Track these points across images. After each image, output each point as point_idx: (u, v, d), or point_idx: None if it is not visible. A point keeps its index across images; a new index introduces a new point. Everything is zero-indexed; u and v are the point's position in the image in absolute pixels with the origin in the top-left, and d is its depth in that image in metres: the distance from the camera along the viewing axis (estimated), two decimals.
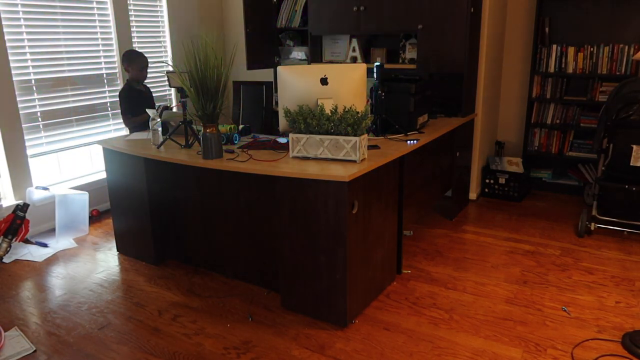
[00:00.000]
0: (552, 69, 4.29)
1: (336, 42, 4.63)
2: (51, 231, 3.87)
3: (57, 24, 3.93)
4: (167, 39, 4.91)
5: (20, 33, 3.69)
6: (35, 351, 2.42)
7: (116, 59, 4.38)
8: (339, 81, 2.65)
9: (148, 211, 3.19)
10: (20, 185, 3.80)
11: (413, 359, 2.32)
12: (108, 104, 4.38)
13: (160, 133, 3.11)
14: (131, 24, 4.48)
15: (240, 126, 3.37)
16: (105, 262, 3.39)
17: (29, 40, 3.75)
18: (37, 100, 3.86)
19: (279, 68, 2.70)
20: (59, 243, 3.69)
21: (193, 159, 2.73)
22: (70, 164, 4.26)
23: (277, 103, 3.36)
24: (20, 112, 3.74)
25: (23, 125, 3.77)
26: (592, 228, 3.66)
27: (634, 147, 3.35)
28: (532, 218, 4.00)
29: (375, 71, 3.20)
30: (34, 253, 3.53)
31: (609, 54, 4.05)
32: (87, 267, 3.33)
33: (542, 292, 2.88)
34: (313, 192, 2.45)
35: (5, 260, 3.41)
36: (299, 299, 2.68)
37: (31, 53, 3.78)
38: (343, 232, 2.41)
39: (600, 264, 3.20)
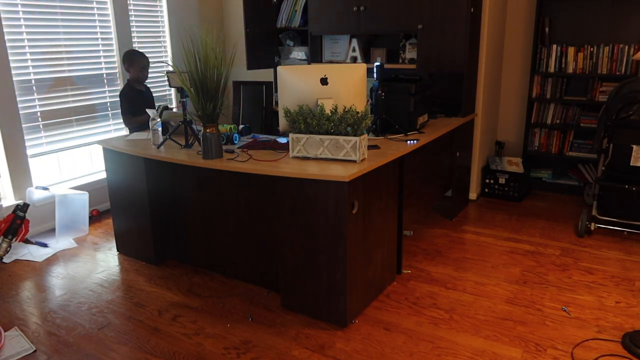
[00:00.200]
0: (552, 69, 4.29)
1: (336, 42, 4.63)
2: (51, 231, 3.87)
3: (57, 24, 3.93)
4: (167, 39, 4.91)
5: (20, 33, 3.69)
6: (35, 351, 2.42)
7: (116, 59, 4.38)
8: (339, 81, 2.66)
9: (148, 211, 3.19)
10: (20, 185, 3.80)
11: (413, 359, 2.32)
12: (108, 104, 4.38)
13: (160, 133, 3.11)
14: (131, 24, 4.48)
15: (240, 126, 3.37)
16: (105, 262, 3.39)
17: (29, 40, 3.75)
18: (37, 100, 3.86)
19: (279, 68, 2.70)
20: (59, 243, 3.69)
21: (193, 159, 2.73)
22: (70, 164, 4.26)
23: (277, 103, 3.36)
24: (20, 112, 3.74)
25: (23, 125, 3.77)
26: (592, 228, 3.66)
27: (634, 147, 3.35)
28: (532, 218, 4.00)
29: (375, 71, 3.20)
30: (34, 253, 3.53)
31: (609, 54, 4.05)
32: (87, 267, 3.33)
33: (542, 292, 2.88)
34: (313, 192, 2.45)
35: (5, 260, 3.41)
36: (299, 299, 2.68)
37: (31, 53, 3.78)
38: (343, 232, 2.41)
39: (600, 264, 3.20)
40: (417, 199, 3.30)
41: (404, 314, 2.69)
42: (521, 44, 4.52)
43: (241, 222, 2.95)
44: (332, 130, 2.53)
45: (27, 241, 3.68)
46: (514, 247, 3.47)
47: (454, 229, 3.81)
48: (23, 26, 3.70)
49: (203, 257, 3.22)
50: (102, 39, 4.27)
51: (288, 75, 2.68)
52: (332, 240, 2.46)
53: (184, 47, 4.91)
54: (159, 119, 3.12)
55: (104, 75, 4.33)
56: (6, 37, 3.58)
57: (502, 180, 4.39)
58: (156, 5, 4.76)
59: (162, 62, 4.85)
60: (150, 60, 4.02)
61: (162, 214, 3.26)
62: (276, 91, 4.23)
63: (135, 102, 3.86)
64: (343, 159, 2.55)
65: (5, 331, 2.55)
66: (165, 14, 4.86)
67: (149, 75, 4.05)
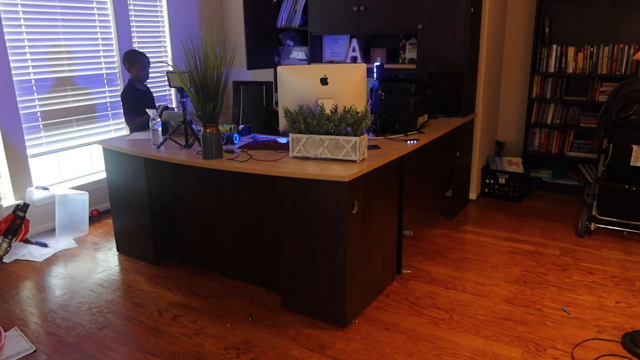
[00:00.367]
0: (552, 69, 4.29)
1: (336, 42, 4.63)
2: (51, 231, 3.87)
3: (57, 24, 3.93)
4: (167, 39, 4.91)
5: (20, 33, 3.69)
6: (35, 351, 2.42)
7: (116, 59, 4.39)
8: (339, 81, 2.65)
9: (148, 211, 3.19)
10: (20, 185, 3.80)
11: (413, 359, 2.32)
12: (108, 104, 4.38)
13: (160, 133, 3.11)
14: (131, 24, 4.48)
15: (240, 126, 3.37)
16: (105, 262, 3.39)
17: (29, 40, 3.75)
18: (37, 100, 3.86)
19: (279, 68, 2.70)
20: (59, 243, 3.69)
21: (193, 159, 2.73)
22: (70, 164, 4.26)
23: (277, 103, 3.36)
24: (20, 112, 3.74)
25: (23, 125, 3.77)
26: (592, 228, 3.66)
27: (634, 147, 3.35)
28: (532, 218, 4.00)
29: (375, 71, 3.20)
30: (34, 253, 3.53)
31: (609, 54, 4.05)
32: (87, 267, 3.33)
33: (542, 292, 2.88)
34: (313, 192, 2.45)
35: (5, 260, 3.41)
36: (299, 299, 2.68)
37: (31, 53, 3.78)
38: (343, 232, 2.41)
39: (600, 264, 3.20)
40: (417, 199, 3.30)
41: (404, 314, 2.69)
42: (521, 44, 4.52)
43: (241, 222, 2.95)
44: (332, 130, 2.53)
45: (27, 241, 3.68)
46: (514, 247, 3.47)
47: (454, 229, 3.81)
48: (23, 26, 3.70)
49: (203, 257, 3.22)
50: (102, 39, 4.27)
51: (288, 75, 2.68)
52: (332, 240, 2.46)
53: (184, 47, 4.92)
54: (159, 119, 3.12)
55: (104, 75, 4.33)
56: (6, 37, 3.58)
57: (502, 180, 4.39)
58: (156, 5, 4.76)
59: (162, 62, 4.85)
60: (150, 60, 4.02)
61: (162, 214, 3.26)
62: (276, 91, 4.23)
63: (137, 102, 3.86)
64: (343, 159, 2.55)
65: (5, 331, 2.55)
66: (165, 14, 4.86)
67: (149, 75, 4.06)
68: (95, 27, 4.21)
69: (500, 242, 3.57)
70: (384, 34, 4.45)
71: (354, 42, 4.45)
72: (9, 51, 3.61)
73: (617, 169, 3.47)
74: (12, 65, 3.64)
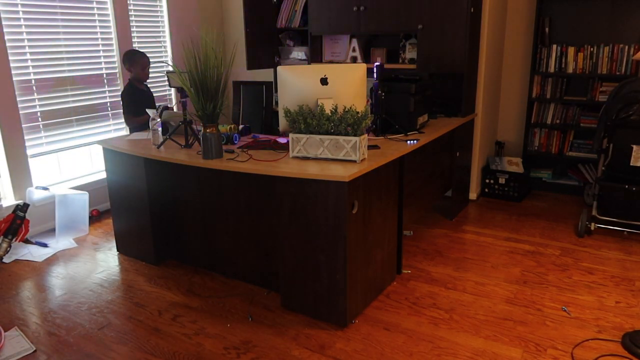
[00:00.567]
0: (552, 69, 4.29)
1: (336, 42, 4.63)
2: (51, 231, 3.87)
3: (57, 24, 3.93)
4: (167, 39, 4.91)
5: (20, 33, 3.69)
6: (35, 351, 2.42)
7: (116, 59, 4.38)
8: (339, 81, 2.65)
9: (148, 211, 3.18)
10: (20, 185, 3.80)
11: (413, 359, 2.32)
12: (108, 104, 4.38)
13: (160, 133, 3.11)
14: (131, 24, 4.48)
15: (240, 126, 3.37)
16: (105, 262, 3.39)
17: (29, 40, 3.75)
18: (37, 100, 3.86)
19: (279, 68, 2.70)
20: (59, 243, 3.69)
21: (193, 159, 2.73)
22: (70, 164, 4.26)
23: (277, 103, 3.35)
24: (20, 112, 3.74)
25: (23, 125, 3.77)
26: (592, 228, 3.66)
27: (634, 147, 3.35)
28: (532, 218, 4.00)
29: (375, 71, 3.20)
30: (34, 253, 3.53)
31: (609, 54, 4.05)
32: (87, 267, 3.33)
33: (542, 292, 2.88)
34: (313, 192, 2.45)
35: (5, 260, 3.41)
36: (299, 299, 2.68)
37: (31, 53, 3.78)
38: (343, 232, 2.41)
39: (600, 264, 3.20)
40: (417, 199, 3.30)
41: (404, 314, 2.69)
42: (521, 44, 4.52)
43: (241, 222, 2.95)
44: (332, 130, 2.53)
45: (27, 241, 3.68)
46: (514, 247, 3.47)
47: (454, 229, 3.81)
48: (23, 26, 3.70)
49: (203, 257, 3.22)
50: (102, 39, 4.27)
51: (288, 75, 2.68)
52: (332, 240, 2.46)
53: (184, 47, 4.92)
54: (159, 119, 3.12)
55: (104, 75, 4.33)
56: (6, 37, 3.58)
57: (502, 180, 4.39)
58: (156, 5, 4.76)
59: (162, 62, 4.85)
60: (150, 60, 4.02)
61: (162, 214, 3.26)
62: (276, 91, 4.22)
63: (137, 102, 3.86)
64: (343, 159, 2.55)
65: (5, 331, 2.55)
66: (165, 14, 4.86)
67: (149, 75, 4.06)
68: (95, 27, 4.21)
69: (500, 242, 3.57)
70: (384, 34, 4.45)
71: (354, 42, 4.45)
72: (9, 51, 3.61)
73: (617, 169, 3.47)
74: (12, 65, 3.64)
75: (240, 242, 2.99)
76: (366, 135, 2.56)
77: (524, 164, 4.46)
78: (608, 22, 4.12)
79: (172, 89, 5.04)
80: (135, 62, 3.86)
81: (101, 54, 4.28)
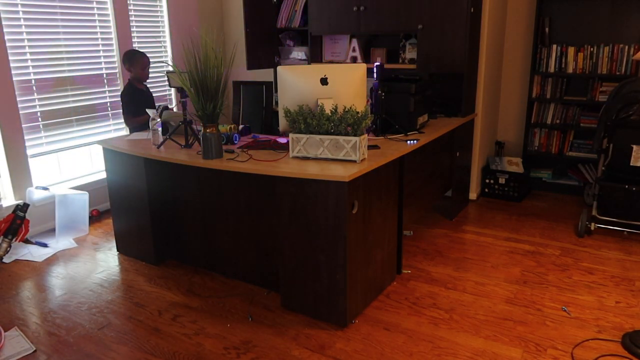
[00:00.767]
0: (552, 69, 4.29)
1: (336, 42, 4.63)
2: (51, 231, 3.87)
3: (57, 24, 3.93)
4: (167, 39, 4.91)
5: (20, 33, 3.69)
6: (35, 351, 2.42)
7: (116, 59, 4.38)
8: (339, 81, 2.65)
9: (148, 211, 3.19)
10: (20, 185, 3.80)
11: (413, 359, 2.32)
12: (108, 104, 4.38)
13: (160, 133, 3.11)
14: (131, 24, 4.48)
15: (240, 126, 3.37)
16: (105, 262, 3.39)
17: (29, 40, 3.75)
18: (37, 100, 3.86)
19: (279, 68, 2.70)
20: (59, 243, 3.69)
21: (193, 159, 2.73)
22: (70, 164, 4.26)
23: (277, 103, 3.35)
24: (20, 112, 3.74)
25: (23, 125, 3.77)
26: (592, 228, 3.66)
27: (634, 147, 3.35)
28: (532, 218, 4.00)
29: (375, 71, 3.20)
30: (34, 253, 3.53)
31: (609, 54, 4.05)
32: (87, 267, 3.33)
33: (542, 292, 2.88)
34: (313, 192, 2.45)
35: (5, 260, 3.41)
36: (299, 299, 2.68)
37: (31, 53, 3.78)
38: (343, 232, 2.41)
39: (600, 264, 3.20)
40: (417, 199, 3.30)
41: (404, 314, 2.69)
42: (521, 44, 4.52)
43: (241, 222, 2.95)
44: (332, 130, 2.53)
45: (27, 241, 3.68)
46: (514, 247, 3.47)
47: (454, 229, 3.81)
48: (23, 26, 3.70)
49: (203, 257, 3.22)
50: (102, 39, 4.27)
51: (288, 75, 2.68)
52: (332, 240, 2.46)
53: (184, 47, 4.92)
54: (159, 119, 3.12)
55: (104, 75, 4.33)
56: (6, 37, 3.58)
57: (502, 180, 4.39)
58: (156, 5, 4.76)
59: (162, 62, 4.85)
60: (150, 60, 4.02)
61: (162, 214, 3.26)
62: (276, 91, 4.22)
63: (137, 102, 3.86)
64: (343, 159, 2.55)
65: (5, 331, 2.55)
66: (165, 14, 4.86)
67: (149, 75, 4.05)
68: (95, 27, 4.21)
69: (500, 242, 3.57)
70: (384, 34, 4.45)
71: (354, 42, 4.45)
72: (9, 51, 3.61)
73: (617, 169, 3.47)
74: (12, 65, 3.64)
75: (240, 242, 2.99)
76: (366, 135, 2.56)
77: (524, 164, 4.46)
78: (608, 22, 4.12)
79: (172, 89, 5.04)
80: (135, 62, 3.86)
81: (101, 54, 4.28)
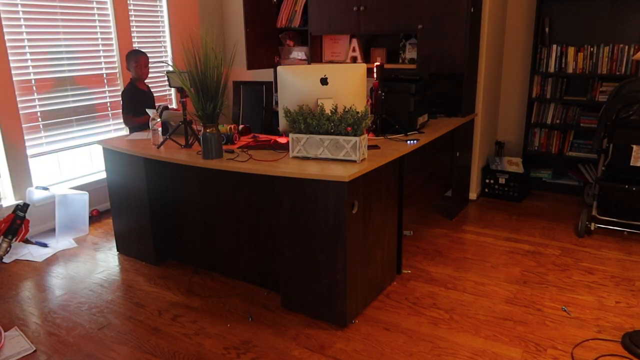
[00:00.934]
0: (552, 69, 4.29)
1: (336, 42, 4.63)
2: (51, 231, 3.87)
3: (57, 24, 3.93)
4: (167, 39, 4.91)
5: (20, 33, 3.69)
6: (35, 351, 2.42)
7: (116, 59, 4.38)
8: (339, 81, 2.65)
9: (148, 211, 3.18)
10: (20, 185, 3.80)
11: (413, 359, 2.32)
12: (108, 104, 4.38)
13: (160, 133, 3.11)
14: (131, 24, 4.48)
15: (240, 126, 3.37)
16: (105, 262, 3.39)
17: (29, 40, 3.75)
18: (37, 100, 3.86)
19: (279, 68, 2.70)
20: (59, 243, 3.69)
21: (193, 159, 2.73)
22: (70, 164, 4.26)
23: (277, 103, 3.35)
24: (20, 112, 3.74)
25: (23, 125, 3.77)
26: (592, 228, 3.66)
27: (634, 147, 3.35)
28: (532, 218, 4.00)
29: (375, 71, 3.20)
30: (34, 253, 3.53)
31: (609, 54, 4.05)
32: (87, 267, 3.33)
33: (542, 292, 2.88)
34: (313, 192, 2.45)
35: (5, 260, 3.41)
36: (299, 299, 2.68)
37: (31, 53, 3.78)
38: (343, 232, 2.41)
39: (600, 264, 3.20)
40: (417, 199, 3.30)
41: (404, 314, 2.69)
42: (521, 44, 4.52)
43: (241, 222, 2.95)
44: (332, 130, 2.53)
45: (27, 241, 3.68)
46: (514, 247, 3.47)
47: (454, 229, 3.81)
48: (23, 26, 3.70)
49: (203, 257, 3.22)
50: (102, 39, 4.27)
51: (288, 75, 2.68)
52: (332, 240, 2.46)
53: (184, 47, 4.91)
54: (159, 119, 3.12)
55: (104, 75, 4.33)
56: (6, 37, 3.58)
57: (502, 180, 4.39)
58: (156, 5, 4.76)
59: (162, 62, 4.85)
60: (150, 60, 4.02)
61: (162, 214, 3.26)
62: (276, 91, 4.22)
63: (137, 102, 3.86)
64: (343, 159, 2.55)
65: (5, 331, 2.55)
66: (165, 14, 4.86)
67: (149, 75, 4.06)
68: (95, 27, 4.21)
69: (500, 242, 3.57)
70: (384, 34, 4.45)
71: (354, 42, 4.45)
72: (9, 51, 3.61)
73: (617, 169, 3.47)
74: (12, 65, 3.64)
75: (240, 242, 2.99)
76: (366, 135, 2.56)
77: (524, 164, 4.46)
78: (608, 22, 4.12)
79: (172, 89, 5.04)
80: (131, 60, 3.87)
81: (101, 54, 4.28)
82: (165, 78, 4.82)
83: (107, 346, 2.45)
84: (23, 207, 3.42)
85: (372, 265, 2.74)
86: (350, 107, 2.50)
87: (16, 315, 2.74)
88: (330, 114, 2.52)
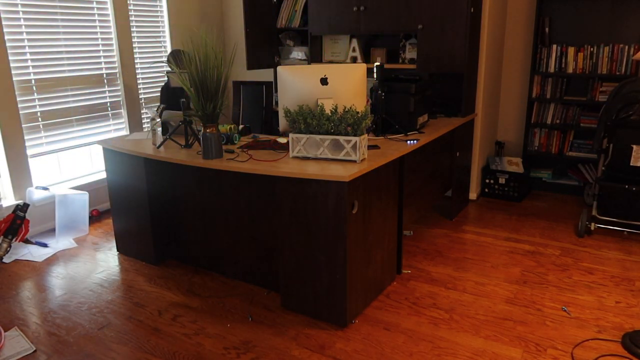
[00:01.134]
0: (552, 69, 4.29)
1: (336, 42, 4.63)
2: (51, 231, 3.87)
3: (57, 24, 3.93)
4: (167, 39, 4.91)
5: (21, 33, 3.69)
6: (35, 351, 2.42)
7: (116, 59, 4.38)
8: (339, 81, 2.66)
9: (148, 211, 3.19)
10: (20, 185, 3.80)
11: (413, 359, 2.32)
12: (108, 104, 4.38)
13: (160, 133, 3.11)
14: (131, 24, 4.48)
15: (240, 126, 3.37)
16: (105, 262, 3.39)
17: (29, 40, 3.75)
18: (37, 100, 3.86)
19: (279, 68, 2.70)
20: (59, 243, 3.69)
21: (193, 159, 2.73)
22: (70, 164, 4.26)
23: (277, 103, 3.36)
24: (20, 112, 3.74)
25: (23, 125, 3.77)
26: (592, 228, 3.66)
27: (634, 147, 3.35)
28: (532, 218, 4.00)
29: (375, 71, 3.20)
30: (34, 253, 3.53)
31: (609, 54, 4.05)
32: (87, 267, 3.33)
33: (542, 292, 2.88)
34: (313, 192, 2.45)
35: (5, 260, 3.41)
36: (299, 299, 2.68)
37: (31, 53, 3.78)
38: (343, 232, 2.41)
39: (600, 264, 3.20)
40: (417, 199, 3.30)
41: (404, 314, 2.69)
42: (521, 44, 4.52)
43: (241, 222, 2.95)
44: (332, 130, 2.53)
45: (27, 241, 3.68)
46: (514, 247, 3.47)
47: (454, 229, 3.81)
48: (23, 26, 3.70)
49: (203, 257, 3.22)
50: (102, 39, 4.27)
51: (288, 75, 2.68)
52: (332, 240, 2.46)
53: (184, 47, 4.92)
54: (159, 119, 3.12)
55: (104, 75, 4.33)
56: (6, 37, 3.58)
57: (502, 180, 4.39)
58: (156, 5, 4.76)
59: (162, 62, 4.85)
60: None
61: (162, 214, 3.26)
62: (276, 91, 4.22)
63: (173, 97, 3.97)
64: (343, 159, 2.55)
65: (5, 331, 2.55)
66: (165, 14, 4.86)
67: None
68: (95, 27, 4.21)
69: (500, 242, 3.57)
70: (384, 34, 4.45)
71: (354, 42, 4.45)
72: (9, 51, 3.61)
73: (617, 169, 3.47)
74: (12, 65, 3.64)
75: (240, 242, 2.99)
76: (366, 135, 2.56)
77: (524, 164, 4.46)
78: (608, 22, 4.12)
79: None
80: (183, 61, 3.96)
81: (101, 54, 4.28)
82: (165, 78, 4.82)
83: (107, 346, 2.45)
84: (23, 207, 3.43)
85: (372, 265, 2.74)
86: (350, 107, 2.51)
87: (16, 315, 2.74)
88: (330, 114, 2.52)
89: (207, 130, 2.66)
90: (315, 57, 4.65)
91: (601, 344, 2.40)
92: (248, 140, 3.18)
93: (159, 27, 4.82)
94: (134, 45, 4.51)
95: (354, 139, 2.48)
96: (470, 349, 2.38)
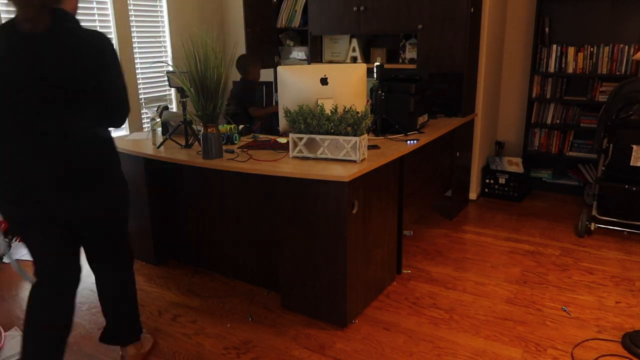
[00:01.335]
0: (552, 69, 4.29)
1: (336, 42, 4.63)
2: None
3: None
4: (167, 39, 4.91)
5: None
6: None
7: None
8: (339, 81, 2.65)
9: (148, 211, 3.18)
10: None
11: (413, 359, 2.32)
12: None
13: (160, 133, 3.11)
14: (131, 24, 4.48)
15: (241, 126, 3.37)
16: None
17: None
18: None
19: (279, 68, 2.70)
20: None
21: (193, 159, 2.73)
22: None
23: (277, 103, 3.35)
24: None
25: None
26: (592, 228, 3.66)
27: (634, 147, 3.35)
28: (532, 218, 4.01)
29: (375, 71, 3.20)
30: None
31: (609, 54, 4.05)
32: (87, 267, 3.32)
33: (542, 292, 2.89)
34: (313, 192, 2.45)
35: (5, 260, 3.41)
36: (299, 299, 2.68)
37: None
38: (343, 232, 2.41)
39: (600, 264, 3.21)
40: (417, 199, 3.30)
41: (404, 314, 2.69)
42: (521, 44, 4.52)
43: (241, 222, 2.95)
44: (332, 130, 2.53)
45: None
46: (514, 247, 3.47)
47: (454, 229, 3.81)
48: None
49: (203, 257, 3.22)
50: None
51: (288, 75, 2.68)
52: (332, 240, 2.46)
53: (184, 47, 4.91)
54: (159, 119, 3.12)
55: None
56: None
57: (502, 180, 4.39)
58: (156, 5, 4.76)
59: (162, 62, 4.85)
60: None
61: (162, 214, 3.26)
62: (276, 91, 4.22)
63: (258, 96, 4.20)
64: (343, 159, 2.55)
65: (5, 331, 2.55)
66: (165, 14, 4.86)
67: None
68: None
69: (500, 242, 3.57)
70: (384, 34, 4.45)
71: (354, 42, 4.45)
72: None
73: (617, 169, 3.47)
74: None
75: (240, 242, 2.99)
76: (366, 135, 2.56)
77: (524, 164, 4.46)
78: (608, 22, 4.12)
79: (172, 89, 5.04)
80: (256, 62, 4.15)
81: None
82: (165, 78, 4.82)
83: (107, 346, 2.45)
84: None
85: (372, 265, 2.74)
86: (350, 107, 2.50)
87: (16, 315, 2.74)
88: (330, 114, 2.52)
89: (207, 130, 2.66)
90: (315, 57, 4.65)
91: (601, 344, 2.40)
92: (248, 140, 3.18)
93: (159, 27, 4.82)
94: (134, 45, 4.51)
95: (354, 139, 2.48)
96: (470, 349, 2.38)
